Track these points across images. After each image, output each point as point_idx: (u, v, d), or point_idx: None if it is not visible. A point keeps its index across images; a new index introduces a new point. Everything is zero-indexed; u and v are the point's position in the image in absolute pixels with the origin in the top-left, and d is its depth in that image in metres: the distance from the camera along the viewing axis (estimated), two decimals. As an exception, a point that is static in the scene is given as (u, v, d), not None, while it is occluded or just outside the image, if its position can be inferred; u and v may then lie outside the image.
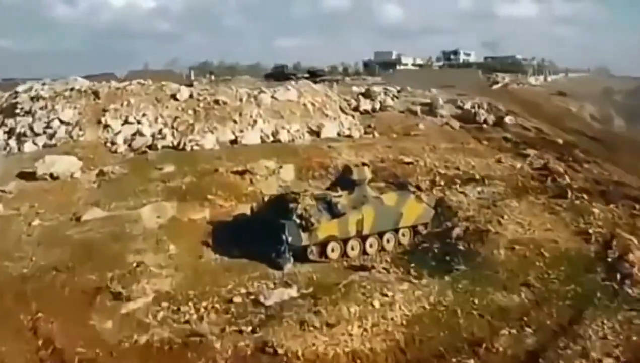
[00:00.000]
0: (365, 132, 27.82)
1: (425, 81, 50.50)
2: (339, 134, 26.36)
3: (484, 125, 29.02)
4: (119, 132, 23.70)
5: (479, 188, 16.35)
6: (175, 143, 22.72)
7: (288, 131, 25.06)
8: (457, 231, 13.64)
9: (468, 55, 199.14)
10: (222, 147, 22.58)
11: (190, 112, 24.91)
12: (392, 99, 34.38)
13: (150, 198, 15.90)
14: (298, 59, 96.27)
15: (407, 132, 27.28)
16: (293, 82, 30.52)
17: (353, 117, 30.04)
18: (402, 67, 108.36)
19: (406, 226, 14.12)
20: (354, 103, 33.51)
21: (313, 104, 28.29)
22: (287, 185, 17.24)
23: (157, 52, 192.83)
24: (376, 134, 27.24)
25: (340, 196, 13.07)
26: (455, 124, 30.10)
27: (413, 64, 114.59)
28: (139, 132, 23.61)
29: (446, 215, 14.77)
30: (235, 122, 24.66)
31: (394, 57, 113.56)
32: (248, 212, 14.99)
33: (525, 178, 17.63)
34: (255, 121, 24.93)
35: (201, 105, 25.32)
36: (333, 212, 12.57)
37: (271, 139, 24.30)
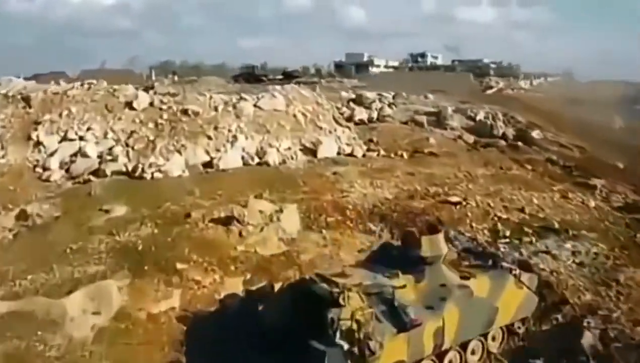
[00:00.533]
0: (368, 149, 22.81)
1: (412, 85, 46.01)
2: (338, 153, 21.23)
3: (503, 141, 24.43)
4: (55, 152, 17.80)
5: (568, 246, 11.54)
6: (130, 167, 16.98)
7: (277, 150, 19.73)
8: (588, 338, 8.60)
9: (435, 57, 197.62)
10: (193, 173, 17.07)
11: (151, 125, 19.20)
12: (390, 107, 29.52)
13: (88, 267, 10.36)
14: (264, 60, 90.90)
15: (418, 149, 22.38)
16: (278, 87, 25.23)
17: (349, 129, 24.95)
18: (375, 69, 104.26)
19: (501, 325, 8.99)
20: (346, 111, 28.48)
21: (304, 114, 23.01)
22: (292, 238, 11.97)
23: (116, 50, 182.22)
24: (381, 151, 22.27)
25: (403, 286, 7.82)
26: (469, 137, 25.41)
27: (386, 66, 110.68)
28: (81, 152, 17.75)
29: (548, 300, 9.75)
30: (209, 138, 19.11)
31: (365, 58, 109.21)
32: (240, 288, 9.75)
33: (616, 225, 12.95)
34: (235, 137, 19.46)
35: (165, 116, 19.64)
36: (401, 321, 7.30)
37: (256, 160, 18.91)
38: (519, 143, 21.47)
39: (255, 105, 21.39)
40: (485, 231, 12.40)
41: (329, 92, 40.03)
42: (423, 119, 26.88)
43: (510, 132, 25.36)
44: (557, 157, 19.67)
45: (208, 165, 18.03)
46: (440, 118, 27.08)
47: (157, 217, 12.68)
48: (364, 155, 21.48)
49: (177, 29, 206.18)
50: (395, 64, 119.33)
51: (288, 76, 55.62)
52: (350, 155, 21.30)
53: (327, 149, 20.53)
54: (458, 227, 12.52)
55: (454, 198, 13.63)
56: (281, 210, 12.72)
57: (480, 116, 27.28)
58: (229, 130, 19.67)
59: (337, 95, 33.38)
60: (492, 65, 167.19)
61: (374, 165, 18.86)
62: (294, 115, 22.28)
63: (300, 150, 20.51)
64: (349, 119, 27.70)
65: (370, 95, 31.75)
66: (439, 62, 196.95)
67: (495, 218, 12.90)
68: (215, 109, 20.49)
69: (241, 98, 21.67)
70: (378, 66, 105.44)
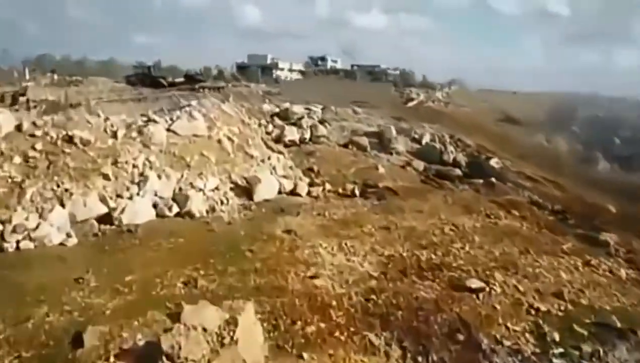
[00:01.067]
0: (311, 182, 18.52)
1: (330, 94, 42.60)
2: (279, 191, 16.71)
3: (457, 169, 21.44)
4: None
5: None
6: (-17, 230, 11.27)
7: (202, 192, 14.81)
8: None
9: (335, 61, 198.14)
10: (84, 237, 11.72)
11: (18, 159, 13.37)
12: (323, 125, 25.47)
13: None
14: (157, 57, 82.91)
15: (368, 181, 18.57)
16: (194, 102, 19.97)
17: (283, 155, 20.53)
18: (279, 72, 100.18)
19: None
20: (274, 130, 23.96)
21: (230, 138, 18.16)
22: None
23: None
24: (327, 186, 18.11)
25: None
26: (419, 164, 22.13)
27: (290, 70, 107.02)
28: None
29: None
30: (106, 178, 13.70)
31: (269, 61, 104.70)
32: None
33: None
34: (143, 175, 14.19)
35: (40, 145, 13.85)
36: None
37: (175, 209, 13.85)
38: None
39: (168, 129, 16.19)
40: (527, 335, 8.76)
41: (242, 100, 35.37)
42: (365, 141, 23.15)
43: (462, 158, 22.44)
44: (538, 196, 16.92)
45: (106, 220, 12.67)
46: (384, 140, 23.55)
47: (23, 346, 7.40)
48: (309, 193, 17.17)
49: (57, 20, 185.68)
50: (300, 67, 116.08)
51: (190, 79, 49.57)
52: (294, 193, 16.89)
53: (266, 188, 15.91)
54: (489, 330, 8.76)
55: (474, 284, 9.87)
56: (235, 322, 8.08)
57: (427, 138, 24.16)
58: (135, 166, 14.36)
59: (256, 107, 28.77)
60: (390, 72, 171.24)
61: (332, 212, 14.60)
62: (219, 141, 17.37)
63: (232, 189, 15.71)
64: (278, 139, 23.28)
65: (298, 109, 27.49)
66: (339, 65, 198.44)
67: (533, 312, 9.33)
68: (114, 135, 14.99)
69: (149, 120, 16.31)
70: (282, 69, 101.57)
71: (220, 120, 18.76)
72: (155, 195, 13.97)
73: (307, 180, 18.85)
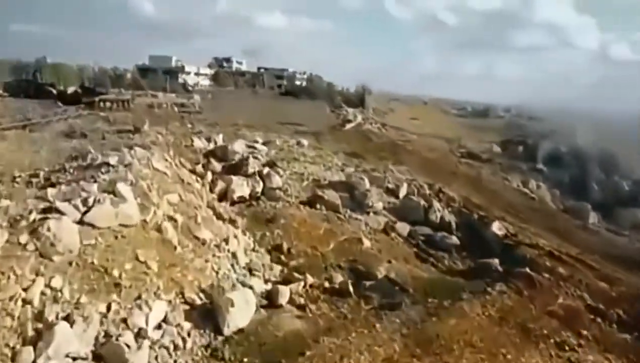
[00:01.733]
0: (285, 269, 13.47)
1: (257, 112, 37.52)
2: (257, 307, 11.48)
3: (453, 237, 17.48)
4: None
5: None
6: None
7: (143, 335, 9.27)
8: None
9: (240, 63, 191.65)
10: None
11: None
12: (274, 170, 20.30)
13: None
14: (41, 53, 71.74)
15: (356, 264, 14.02)
16: (114, 159, 13.80)
17: (235, 225, 15.21)
18: (185, 76, 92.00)
19: None
20: (216, 182, 18.42)
21: (172, 218, 12.58)
22: None
23: None
24: (308, 277, 13.17)
25: None
26: (404, 227, 17.85)
27: (197, 73, 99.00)
28: None
29: None
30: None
31: (174, 63, 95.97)
32: None
33: None
34: (43, 320, 8.45)
35: None
36: None
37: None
38: (528, 271, 14.31)
39: (81, 221, 10.33)
40: None
41: (158, 123, 29.27)
42: (334, 196, 18.38)
43: (451, 217, 18.50)
44: (588, 294, 13.25)
45: None
46: (356, 195, 18.97)
47: None
48: (291, 300, 12.15)
49: None
50: (208, 71, 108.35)
51: (88, 92, 41.73)
52: (273, 304, 11.77)
53: (239, 312, 10.61)
54: None
55: None
56: None
57: (403, 190, 19.96)
58: (25, 303, 8.51)
59: (184, 142, 22.96)
60: (299, 76, 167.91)
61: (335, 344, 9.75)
62: (158, 228, 11.75)
63: (187, 315, 10.27)
64: (223, 196, 17.82)
65: (238, 146, 22.06)
66: (244, 67, 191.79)
67: None
68: (-12, 244, 8.96)
69: (51, 207, 10.28)
70: (189, 73, 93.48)
71: (154, 187, 13.06)
72: (67, 356, 8.24)
73: (278, 268, 13.76)
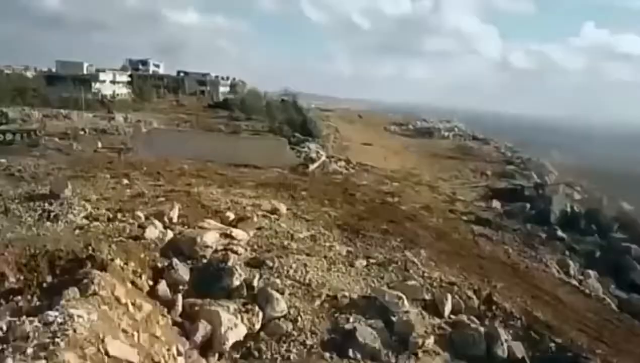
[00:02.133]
0: None
1: (200, 144, 31.30)
2: None
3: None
4: None
5: None
6: None
7: None
8: None
9: (157, 66, 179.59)
10: None
11: None
12: (265, 272, 14.27)
13: None
14: None
15: None
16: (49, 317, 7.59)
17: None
18: (99, 85, 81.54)
19: None
20: (196, 326, 12.18)
21: None
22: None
23: None
24: None
25: None
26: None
27: (113, 82, 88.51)
28: None
29: None
30: None
31: (85, 70, 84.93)
32: None
33: None
34: None
35: None
36: None
37: None
38: None
39: None
40: None
41: (81, 176, 22.58)
42: (368, 334, 12.70)
43: (521, 349, 13.54)
44: None
45: None
46: (394, 324, 13.46)
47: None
48: None
49: None
50: (125, 78, 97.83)
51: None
52: None
53: None
54: None
55: None
56: None
57: (448, 306, 14.77)
58: None
59: (129, 227, 16.27)
60: (223, 81, 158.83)
61: None
62: None
63: None
64: (208, 345, 11.63)
65: (210, 238, 15.74)
66: (162, 70, 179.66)
67: None
68: None
69: None
70: (103, 81, 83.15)
71: None
72: None
73: None
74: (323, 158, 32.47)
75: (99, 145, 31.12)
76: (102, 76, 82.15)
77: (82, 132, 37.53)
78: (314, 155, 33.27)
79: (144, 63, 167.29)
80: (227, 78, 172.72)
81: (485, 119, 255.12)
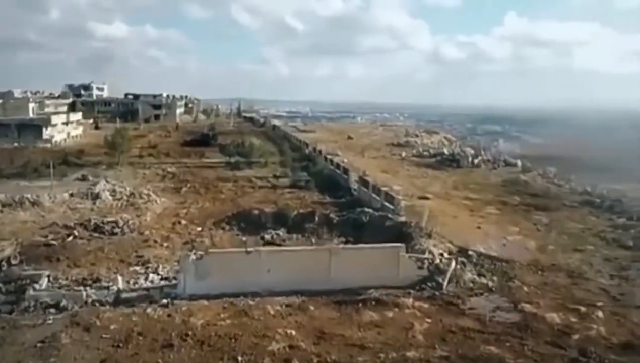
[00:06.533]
0: None
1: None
2: None
3: None
4: None
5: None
6: None
7: None
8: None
9: (101, 89, 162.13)
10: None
11: None
12: None
13: None
14: None
15: None
16: None
17: None
18: (51, 129, 66.60)
19: None
20: None
21: None
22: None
23: None
24: None
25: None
26: None
27: (66, 122, 73.62)
28: None
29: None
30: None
31: (31, 112, 69.82)
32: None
33: None
34: None
35: None
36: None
37: None
38: None
39: None
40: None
41: None
42: None
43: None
44: None
45: None
46: None
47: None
48: None
49: None
50: (79, 117, 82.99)
51: None
52: None
53: None
54: None
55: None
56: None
57: None
58: None
59: None
60: (180, 103, 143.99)
61: None
62: None
63: None
64: None
65: None
66: (105, 94, 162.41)
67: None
68: None
69: None
70: (55, 125, 68.26)
71: None
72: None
73: None
74: (452, 265, 22.19)
75: (119, 283, 19.51)
76: (54, 119, 67.53)
77: (70, 238, 25.62)
78: (435, 257, 22.94)
79: (86, 88, 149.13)
80: (183, 98, 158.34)
81: (428, 112, 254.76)
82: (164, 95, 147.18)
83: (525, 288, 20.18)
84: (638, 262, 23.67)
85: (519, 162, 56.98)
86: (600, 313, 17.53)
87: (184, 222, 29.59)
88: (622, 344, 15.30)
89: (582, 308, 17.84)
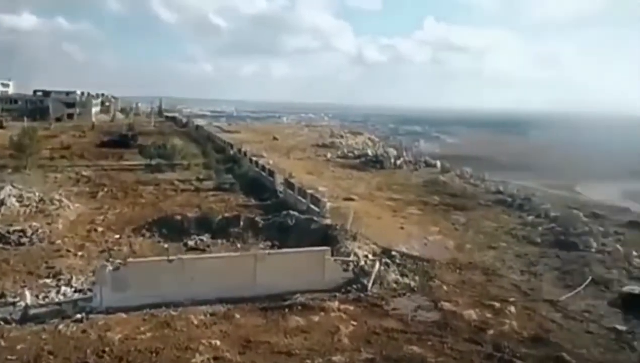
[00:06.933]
0: None
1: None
2: None
3: None
4: None
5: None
6: None
7: None
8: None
9: (6, 85, 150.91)
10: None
11: None
12: None
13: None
14: None
15: None
16: None
17: None
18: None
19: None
20: None
21: None
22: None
23: None
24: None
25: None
26: None
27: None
28: None
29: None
30: None
31: None
32: None
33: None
34: None
35: None
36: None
37: None
38: None
39: None
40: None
41: None
42: None
43: None
44: None
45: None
46: None
47: None
48: None
49: None
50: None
51: None
52: None
53: None
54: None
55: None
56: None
57: None
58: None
59: None
60: (95, 101, 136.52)
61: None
62: None
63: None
64: None
65: None
66: (11, 90, 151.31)
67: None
68: None
69: None
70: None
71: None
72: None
73: None
74: (377, 266, 22.57)
75: (27, 298, 17.99)
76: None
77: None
78: (359, 259, 23.25)
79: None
80: (98, 95, 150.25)
81: (352, 112, 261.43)
82: (78, 92, 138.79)
83: (445, 287, 20.90)
84: (545, 257, 25.36)
85: (438, 163, 59.42)
86: (512, 309, 18.54)
87: (100, 229, 28.00)
88: (532, 337, 16.27)
89: (497, 304, 18.77)
